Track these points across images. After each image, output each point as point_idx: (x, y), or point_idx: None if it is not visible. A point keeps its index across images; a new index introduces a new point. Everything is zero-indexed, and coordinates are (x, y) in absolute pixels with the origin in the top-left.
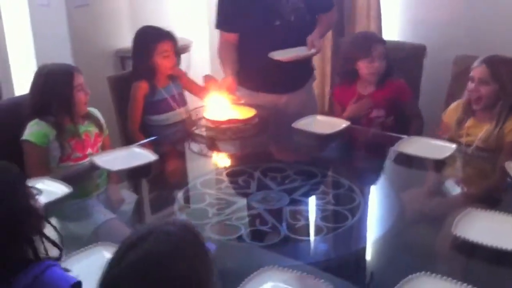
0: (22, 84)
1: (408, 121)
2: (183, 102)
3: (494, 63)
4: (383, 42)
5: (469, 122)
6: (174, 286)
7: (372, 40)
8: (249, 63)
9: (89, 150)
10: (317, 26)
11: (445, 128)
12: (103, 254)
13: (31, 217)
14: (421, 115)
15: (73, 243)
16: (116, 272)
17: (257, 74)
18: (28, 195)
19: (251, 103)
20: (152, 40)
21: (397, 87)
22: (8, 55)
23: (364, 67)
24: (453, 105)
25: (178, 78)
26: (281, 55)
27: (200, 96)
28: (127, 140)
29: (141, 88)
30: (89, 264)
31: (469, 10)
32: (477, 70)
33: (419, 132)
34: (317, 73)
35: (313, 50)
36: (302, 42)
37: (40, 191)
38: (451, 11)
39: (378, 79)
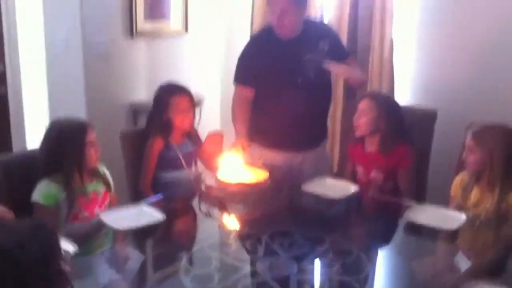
0: (34, 135)
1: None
2: (193, 162)
3: (478, 131)
4: (372, 97)
5: (474, 194)
6: None
7: (362, 96)
8: (267, 119)
9: (97, 209)
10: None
11: (453, 201)
12: None
13: (60, 279)
14: (409, 189)
15: None
16: None
17: (273, 131)
18: (60, 256)
19: (266, 162)
20: (169, 94)
21: (399, 154)
22: (23, 105)
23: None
24: (457, 178)
25: (197, 139)
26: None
27: (206, 163)
28: (136, 195)
29: (156, 144)
30: None
31: (482, 76)
32: (468, 140)
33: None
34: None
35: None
36: (322, 99)
37: (69, 253)
38: (464, 76)
39: (379, 140)
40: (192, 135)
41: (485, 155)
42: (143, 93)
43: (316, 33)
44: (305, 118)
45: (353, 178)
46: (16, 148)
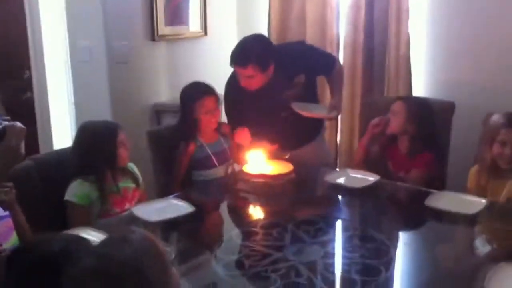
0: (60, 138)
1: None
2: (226, 158)
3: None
4: (405, 100)
5: (492, 184)
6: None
7: (398, 97)
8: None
9: (127, 205)
10: (332, 88)
11: (470, 192)
12: None
13: None
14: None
15: None
16: (75, 272)
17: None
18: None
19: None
20: (194, 96)
21: (423, 160)
22: (49, 110)
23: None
24: (473, 169)
25: (227, 134)
26: (302, 109)
27: (235, 158)
28: (164, 193)
29: (190, 149)
30: None
31: (498, 68)
32: (509, 134)
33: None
34: (345, 128)
35: (334, 113)
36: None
37: None
38: (481, 69)
39: (408, 142)
40: (224, 132)
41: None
42: (165, 94)
43: (290, 69)
44: (295, 135)
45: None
46: (43, 151)
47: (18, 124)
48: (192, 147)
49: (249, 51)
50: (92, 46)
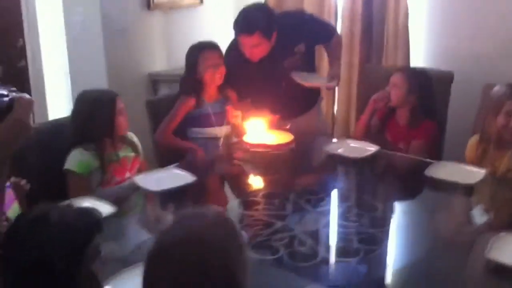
0: (55, 107)
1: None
2: (224, 121)
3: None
4: (404, 72)
5: (491, 155)
6: (210, 263)
7: (396, 69)
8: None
9: (128, 174)
10: (331, 58)
11: (468, 161)
12: None
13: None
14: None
15: (115, 262)
16: (156, 250)
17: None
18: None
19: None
20: (198, 50)
21: (425, 128)
22: (44, 79)
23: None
24: (473, 140)
25: (231, 98)
26: (302, 78)
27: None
28: (163, 162)
29: (187, 102)
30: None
31: (497, 38)
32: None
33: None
34: (342, 97)
35: (334, 82)
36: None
37: (99, 253)
38: (479, 39)
39: (408, 113)
40: (227, 95)
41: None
42: (161, 63)
43: (290, 38)
44: (294, 104)
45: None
46: (38, 121)
47: (26, 95)
48: (192, 101)
49: (254, 19)
50: (87, 14)
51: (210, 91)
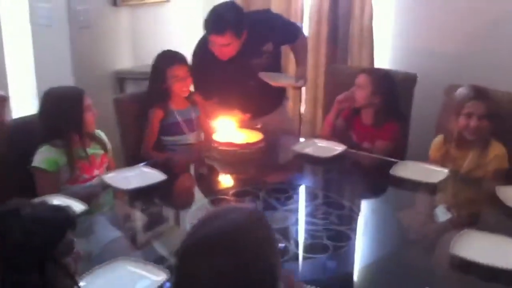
0: (19, 104)
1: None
2: (194, 127)
3: (488, 98)
4: (369, 73)
5: (453, 154)
6: (245, 259)
7: (361, 70)
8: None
9: (96, 171)
10: (297, 58)
11: (432, 161)
12: (127, 268)
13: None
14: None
15: (86, 259)
16: (194, 241)
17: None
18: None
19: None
20: (165, 64)
21: (389, 130)
22: (7, 75)
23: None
24: (436, 140)
25: (198, 105)
26: (271, 78)
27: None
28: (129, 160)
29: (156, 115)
30: (114, 277)
31: (460, 40)
32: (476, 107)
33: None
34: (309, 97)
35: (301, 82)
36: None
37: (72, 249)
38: (443, 40)
39: (373, 114)
40: (194, 101)
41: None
42: (127, 61)
43: (258, 37)
44: (260, 104)
45: (340, 136)
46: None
47: (1, 92)
48: (159, 112)
49: (225, 19)
50: (53, 9)
51: (178, 100)
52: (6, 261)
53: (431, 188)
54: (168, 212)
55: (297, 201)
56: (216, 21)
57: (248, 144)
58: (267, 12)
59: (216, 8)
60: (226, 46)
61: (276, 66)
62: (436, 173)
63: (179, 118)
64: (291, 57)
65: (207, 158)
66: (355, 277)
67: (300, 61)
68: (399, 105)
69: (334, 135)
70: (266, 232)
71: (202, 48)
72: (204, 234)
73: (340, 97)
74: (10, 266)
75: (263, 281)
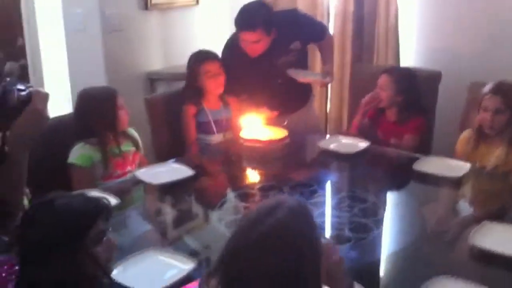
0: (54, 106)
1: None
2: (224, 127)
3: (507, 92)
4: (390, 73)
5: (481, 149)
6: (297, 255)
7: (382, 70)
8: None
9: (129, 168)
10: (324, 56)
11: (459, 156)
12: (157, 257)
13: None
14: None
15: (118, 250)
16: (248, 237)
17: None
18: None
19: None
20: (198, 61)
21: (414, 124)
22: (43, 78)
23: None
24: (464, 134)
25: (230, 104)
26: (298, 74)
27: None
28: (161, 158)
29: (189, 111)
30: (144, 267)
31: (484, 38)
32: (492, 101)
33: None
34: (334, 96)
35: (328, 78)
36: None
37: (103, 238)
38: (467, 39)
39: (397, 111)
40: (227, 102)
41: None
42: (158, 62)
43: (286, 36)
44: (288, 101)
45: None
46: None
47: (42, 89)
48: (191, 109)
49: (256, 16)
50: (86, 14)
51: (211, 99)
52: (37, 249)
53: (454, 182)
54: (197, 206)
55: (320, 196)
56: (247, 18)
57: (272, 140)
58: (294, 11)
59: (246, 6)
60: (256, 43)
61: (303, 64)
62: (458, 167)
63: (210, 118)
64: (318, 56)
65: (234, 155)
66: (376, 267)
67: (327, 59)
68: (421, 101)
69: (362, 135)
70: (311, 225)
71: (231, 47)
72: (255, 236)
73: (365, 99)
74: (40, 254)
75: (312, 275)
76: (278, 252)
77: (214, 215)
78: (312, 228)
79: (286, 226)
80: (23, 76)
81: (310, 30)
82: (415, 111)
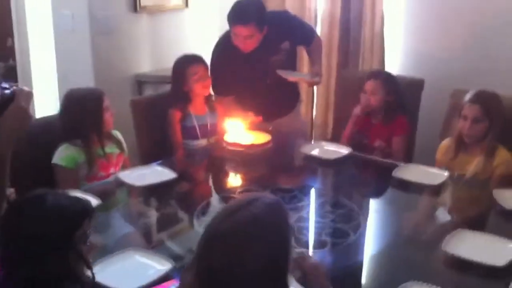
0: (42, 106)
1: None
2: (209, 133)
3: (486, 101)
4: (376, 77)
5: (460, 158)
6: (271, 247)
7: (367, 76)
8: (241, 105)
9: (112, 170)
10: (312, 58)
11: (439, 164)
12: (136, 258)
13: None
14: (401, 153)
15: (100, 249)
16: (222, 227)
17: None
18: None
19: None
20: (184, 64)
21: (398, 123)
22: (32, 77)
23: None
24: (444, 143)
25: (216, 109)
26: (288, 74)
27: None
28: (145, 160)
29: (175, 115)
30: (122, 267)
31: (467, 46)
32: (471, 109)
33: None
34: (320, 102)
35: (317, 78)
36: (291, 84)
37: (88, 238)
38: (450, 46)
39: (383, 113)
40: (213, 107)
41: (489, 124)
42: (146, 65)
43: (277, 35)
44: (276, 104)
45: (355, 143)
46: None
47: (26, 88)
48: (177, 113)
49: (249, 10)
50: (75, 16)
51: (197, 104)
52: (27, 245)
53: (433, 190)
54: (179, 209)
55: (301, 200)
56: (240, 13)
57: (254, 145)
58: (286, 12)
59: (239, 2)
60: (249, 38)
61: (292, 65)
62: (437, 175)
63: (195, 123)
64: (306, 58)
65: (217, 158)
66: (351, 272)
67: (315, 60)
68: (404, 99)
69: (353, 146)
70: (285, 221)
71: (221, 44)
72: (228, 226)
73: (356, 110)
74: (31, 251)
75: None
76: (251, 242)
77: (196, 219)
78: (286, 224)
79: (260, 218)
80: (12, 76)
81: (300, 32)
82: (400, 110)
